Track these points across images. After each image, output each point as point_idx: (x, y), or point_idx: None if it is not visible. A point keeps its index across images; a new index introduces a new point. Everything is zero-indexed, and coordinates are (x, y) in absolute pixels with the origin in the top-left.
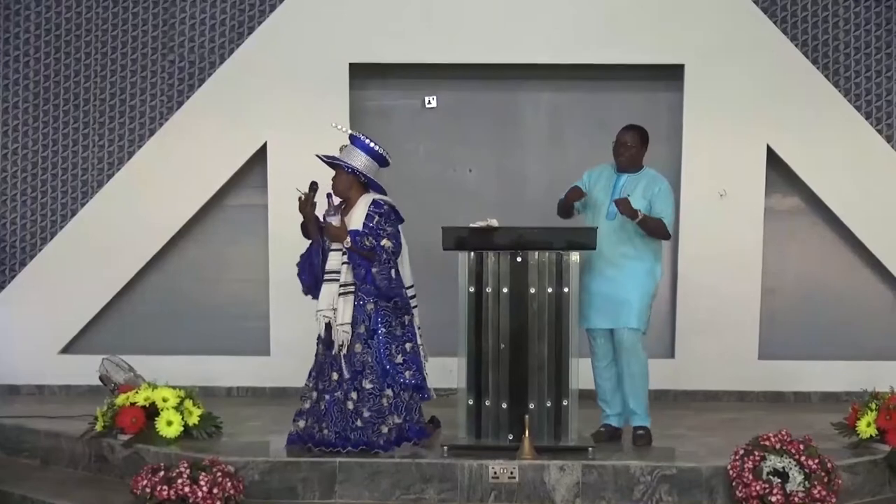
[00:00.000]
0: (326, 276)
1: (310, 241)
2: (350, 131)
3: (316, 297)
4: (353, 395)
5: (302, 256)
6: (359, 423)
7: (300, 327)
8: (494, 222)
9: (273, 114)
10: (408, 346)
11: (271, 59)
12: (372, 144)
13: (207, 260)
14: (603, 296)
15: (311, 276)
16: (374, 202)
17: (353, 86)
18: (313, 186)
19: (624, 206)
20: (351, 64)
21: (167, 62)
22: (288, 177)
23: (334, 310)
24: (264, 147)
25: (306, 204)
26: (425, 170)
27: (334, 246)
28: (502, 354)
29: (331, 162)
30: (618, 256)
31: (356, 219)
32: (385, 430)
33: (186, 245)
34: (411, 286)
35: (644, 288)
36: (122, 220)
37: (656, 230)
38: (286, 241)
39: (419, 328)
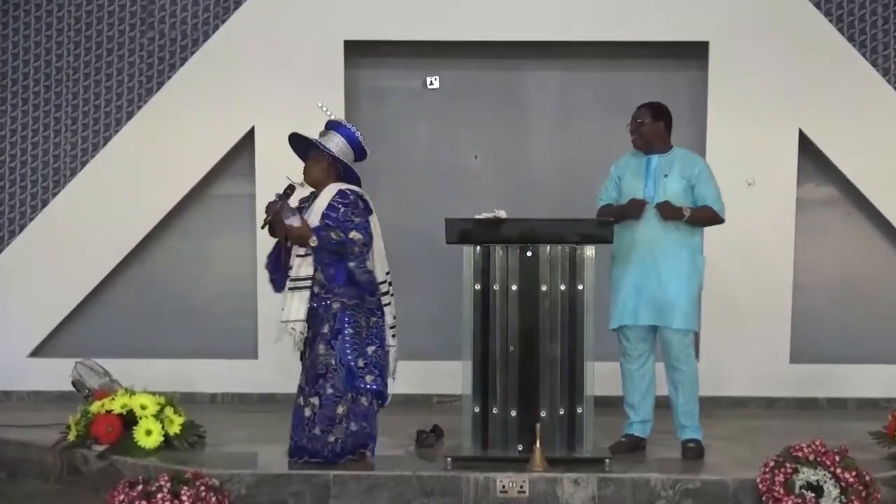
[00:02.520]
0: (295, 285)
1: (276, 241)
2: (333, 116)
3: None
4: (314, 400)
5: (269, 256)
6: (316, 430)
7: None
8: (502, 213)
9: (261, 96)
10: (370, 349)
11: (259, 36)
12: (357, 134)
13: (190, 254)
14: (639, 292)
15: (285, 275)
16: (340, 192)
17: (348, 65)
18: (289, 191)
19: (667, 209)
20: (346, 41)
21: (146, 39)
22: (277, 164)
23: (299, 321)
24: (252, 132)
25: (277, 207)
26: (426, 156)
27: (300, 251)
28: (511, 357)
29: (310, 144)
30: (655, 248)
31: (317, 210)
32: (334, 438)
33: (167, 238)
34: (384, 282)
35: (689, 281)
36: (97, 212)
37: (708, 220)
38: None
39: (393, 328)
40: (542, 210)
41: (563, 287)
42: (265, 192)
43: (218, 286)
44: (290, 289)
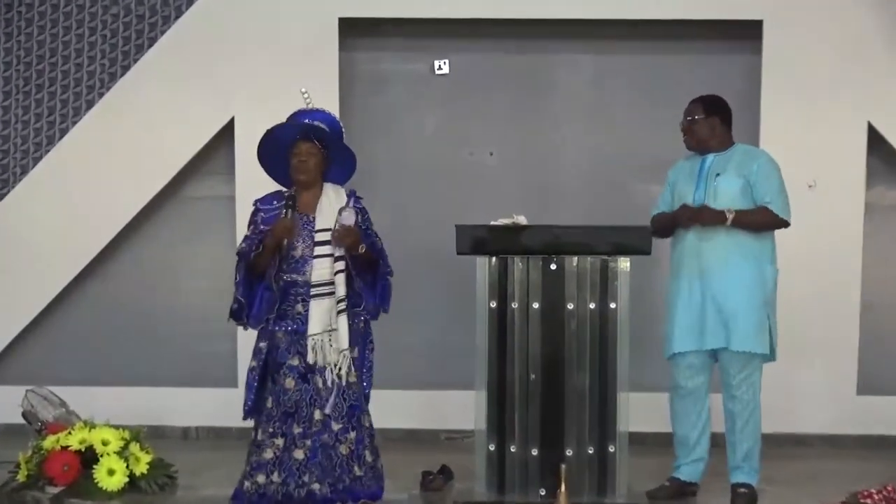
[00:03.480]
0: (315, 291)
1: (251, 268)
2: (312, 105)
3: (246, 324)
4: (350, 434)
5: (239, 284)
6: (357, 470)
7: None
8: (522, 219)
9: (243, 82)
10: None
11: (241, 13)
12: (342, 127)
13: (159, 266)
14: (693, 311)
15: (265, 305)
16: (353, 194)
17: (343, 46)
18: (292, 201)
19: (705, 214)
20: (341, 19)
21: (109, 16)
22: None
23: (332, 331)
24: (231, 124)
25: (289, 223)
26: (434, 153)
27: (321, 251)
28: (532, 387)
29: (311, 131)
30: (708, 258)
31: (331, 214)
32: (348, 480)
33: (133, 247)
34: None
35: (751, 295)
36: (52, 215)
37: (764, 223)
38: None
39: None
40: (568, 216)
41: (592, 305)
42: (247, 193)
43: (192, 303)
44: (315, 296)
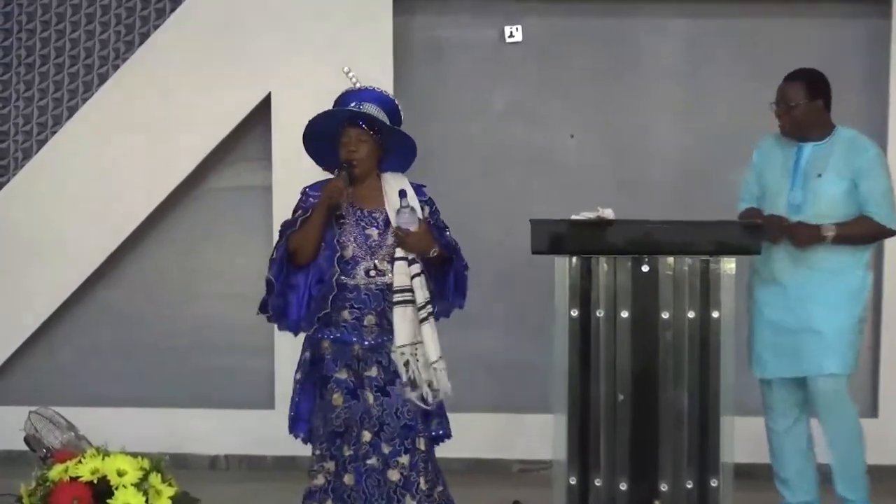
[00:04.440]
0: (399, 297)
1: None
2: (361, 85)
3: (297, 329)
4: (402, 459)
5: (278, 262)
6: (409, 500)
7: None
8: (609, 213)
9: (280, 52)
10: None
11: None
12: (399, 108)
13: (183, 267)
14: (781, 327)
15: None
16: (417, 187)
17: (398, 10)
18: (349, 168)
19: (801, 234)
20: None
21: None
22: (301, 145)
23: (418, 343)
24: (267, 101)
25: (345, 194)
26: (503, 134)
27: (398, 253)
28: (620, 409)
29: (359, 117)
30: (803, 267)
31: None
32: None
33: (152, 246)
34: None
35: (844, 312)
36: (58, 208)
37: (868, 235)
38: None
39: None
40: (661, 208)
41: (691, 314)
42: (286, 183)
43: (221, 311)
44: (397, 303)
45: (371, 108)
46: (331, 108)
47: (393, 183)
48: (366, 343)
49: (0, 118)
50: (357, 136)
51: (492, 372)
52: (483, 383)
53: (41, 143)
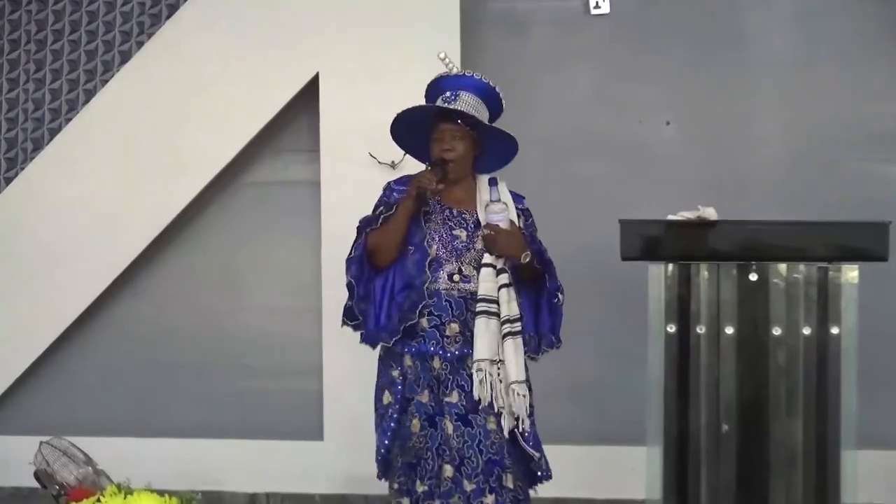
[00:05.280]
0: (482, 307)
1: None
2: (456, 71)
3: (376, 341)
4: (487, 499)
5: (357, 262)
6: None
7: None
8: (711, 212)
9: (330, 26)
10: None
11: None
12: (491, 83)
13: (215, 276)
14: None
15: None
16: (515, 196)
17: None
18: (443, 163)
19: None
20: None
21: None
22: (355, 134)
23: (498, 361)
24: (315, 83)
25: (437, 185)
26: (587, 122)
27: (486, 259)
28: (725, 442)
29: (449, 114)
30: None
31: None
32: None
33: (180, 251)
34: None
35: None
36: (72, 207)
37: None
38: (350, 241)
39: None
40: (771, 207)
41: (807, 330)
42: (336, 178)
43: (260, 327)
44: (508, 334)
45: (468, 99)
46: (422, 98)
47: (500, 187)
48: (448, 354)
49: (7, 103)
50: (451, 133)
51: (574, 397)
52: (564, 410)
53: (53, 132)
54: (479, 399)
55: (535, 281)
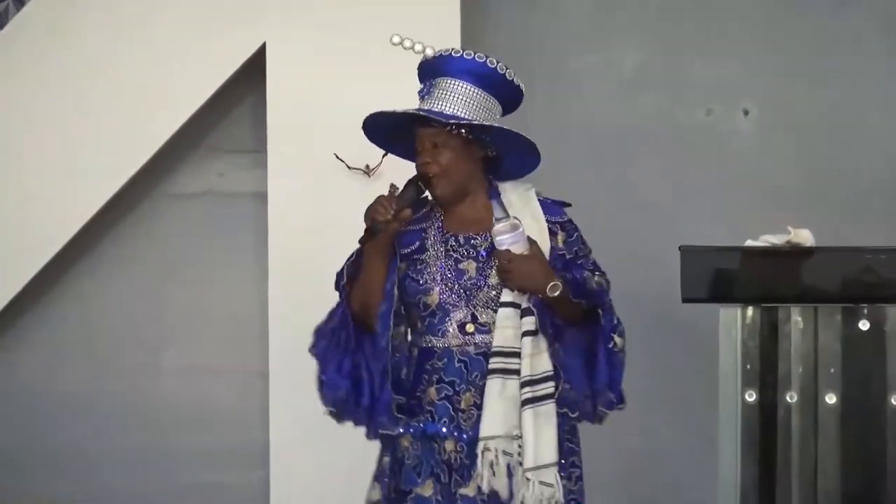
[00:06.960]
0: (496, 364)
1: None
2: (426, 52)
3: (359, 421)
4: None
5: (329, 334)
6: None
7: (342, 477)
8: (805, 235)
9: None
10: None
11: None
12: (494, 63)
13: (118, 326)
14: None
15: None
16: (551, 204)
17: None
18: (417, 183)
19: None
20: None
21: None
22: (314, 129)
23: (517, 437)
24: (261, 57)
25: (397, 215)
26: (636, 111)
27: (506, 296)
28: None
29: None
30: None
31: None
32: None
33: (79, 284)
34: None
35: None
36: None
37: None
38: (307, 272)
39: None
40: (888, 229)
41: None
42: (289, 188)
43: (187, 392)
44: (528, 401)
45: (451, 90)
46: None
47: (512, 198)
48: (465, 436)
49: None
50: (431, 140)
51: (620, 478)
52: (608, 493)
53: None
54: (494, 491)
55: (585, 321)
